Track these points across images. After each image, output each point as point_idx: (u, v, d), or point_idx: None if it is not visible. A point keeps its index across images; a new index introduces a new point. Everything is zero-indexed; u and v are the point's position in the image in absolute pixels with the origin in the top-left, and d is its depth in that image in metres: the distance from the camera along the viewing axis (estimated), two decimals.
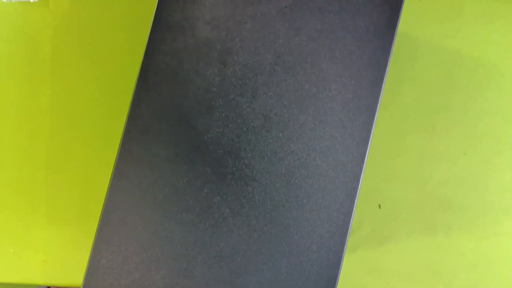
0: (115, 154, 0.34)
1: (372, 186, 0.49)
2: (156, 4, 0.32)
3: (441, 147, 0.50)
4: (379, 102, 0.33)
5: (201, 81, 0.32)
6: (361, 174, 0.33)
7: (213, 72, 0.32)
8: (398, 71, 0.49)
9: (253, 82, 0.32)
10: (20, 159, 0.49)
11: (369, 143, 0.33)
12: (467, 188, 0.49)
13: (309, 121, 0.33)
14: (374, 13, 0.33)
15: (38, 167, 0.49)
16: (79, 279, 0.48)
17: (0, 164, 0.49)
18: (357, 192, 0.33)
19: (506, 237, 0.49)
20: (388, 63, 0.33)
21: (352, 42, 0.33)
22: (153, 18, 0.31)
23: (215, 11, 0.33)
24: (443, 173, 0.49)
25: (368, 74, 0.33)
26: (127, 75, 0.50)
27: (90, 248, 0.33)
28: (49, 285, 0.50)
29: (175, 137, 0.33)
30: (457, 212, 0.49)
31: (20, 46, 0.50)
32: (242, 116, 0.32)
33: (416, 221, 0.49)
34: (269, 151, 0.33)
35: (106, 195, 0.33)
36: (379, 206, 0.49)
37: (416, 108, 0.50)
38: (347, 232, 0.33)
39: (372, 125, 0.33)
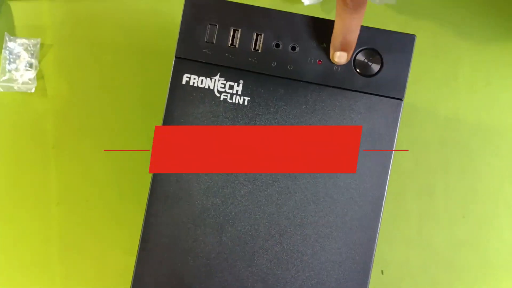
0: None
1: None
2: (151, 177, 0.33)
3: (441, 211, 0.50)
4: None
5: (200, 248, 0.33)
6: None
7: (211, 239, 0.33)
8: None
9: (250, 247, 0.33)
10: (34, 243, 0.51)
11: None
12: (467, 249, 0.50)
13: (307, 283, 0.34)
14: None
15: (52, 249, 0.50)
16: None
17: (16, 246, 0.51)
18: None
19: None
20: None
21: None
22: (149, 190, 0.32)
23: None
24: (443, 235, 0.50)
25: None
26: (130, 154, 0.51)
27: None
28: None
29: None
30: (459, 272, 0.50)
31: (25, 134, 0.51)
32: (241, 280, 0.33)
33: (419, 284, 0.50)
34: None
35: None
36: (382, 272, 0.50)
37: (415, 173, 0.51)
38: None
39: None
